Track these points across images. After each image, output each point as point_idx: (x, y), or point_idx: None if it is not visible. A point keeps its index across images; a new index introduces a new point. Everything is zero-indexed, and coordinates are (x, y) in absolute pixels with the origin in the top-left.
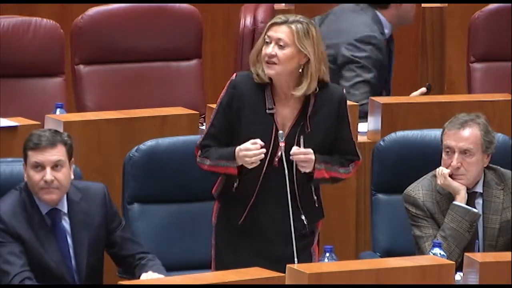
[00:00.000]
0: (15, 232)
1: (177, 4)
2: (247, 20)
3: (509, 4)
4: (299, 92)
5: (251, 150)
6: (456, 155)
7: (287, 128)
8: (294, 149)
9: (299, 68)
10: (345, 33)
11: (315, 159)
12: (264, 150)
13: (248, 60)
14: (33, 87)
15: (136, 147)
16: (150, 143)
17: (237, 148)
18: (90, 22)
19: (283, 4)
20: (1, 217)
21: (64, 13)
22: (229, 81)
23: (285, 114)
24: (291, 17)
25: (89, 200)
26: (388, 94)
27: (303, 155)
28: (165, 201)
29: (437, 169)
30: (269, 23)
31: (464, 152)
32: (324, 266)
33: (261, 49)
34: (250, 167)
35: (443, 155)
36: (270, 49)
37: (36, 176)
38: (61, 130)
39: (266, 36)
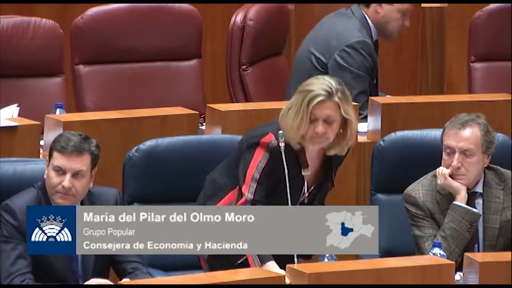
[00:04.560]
0: (25, 232)
1: (177, 4)
2: (238, 18)
3: (509, 4)
4: (338, 152)
5: None
6: (456, 155)
7: (310, 187)
8: None
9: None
10: (336, 37)
11: None
12: None
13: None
14: (33, 87)
15: (136, 147)
16: (150, 143)
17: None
18: (90, 22)
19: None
20: (16, 214)
21: (64, 13)
22: (265, 146)
23: (310, 174)
24: (327, 86)
25: (101, 205)
26: (376, 94)
27: None
28: (165, 201)
29: (438, 169)
30: (314, 102)
31: (464, 152)
32: (324, 266)
33: (303, 126)
34: None
35: (444, 155)
36: (320, 127)
37: (55, 179)
38: (61, 130)
39: (311, 115)
